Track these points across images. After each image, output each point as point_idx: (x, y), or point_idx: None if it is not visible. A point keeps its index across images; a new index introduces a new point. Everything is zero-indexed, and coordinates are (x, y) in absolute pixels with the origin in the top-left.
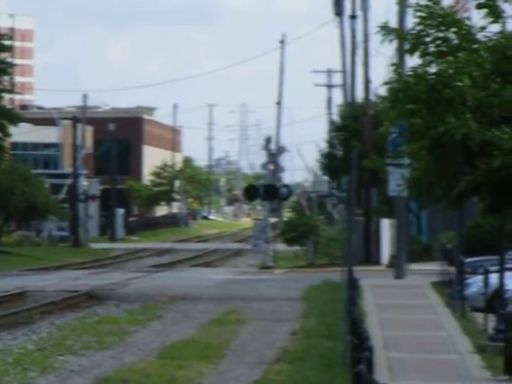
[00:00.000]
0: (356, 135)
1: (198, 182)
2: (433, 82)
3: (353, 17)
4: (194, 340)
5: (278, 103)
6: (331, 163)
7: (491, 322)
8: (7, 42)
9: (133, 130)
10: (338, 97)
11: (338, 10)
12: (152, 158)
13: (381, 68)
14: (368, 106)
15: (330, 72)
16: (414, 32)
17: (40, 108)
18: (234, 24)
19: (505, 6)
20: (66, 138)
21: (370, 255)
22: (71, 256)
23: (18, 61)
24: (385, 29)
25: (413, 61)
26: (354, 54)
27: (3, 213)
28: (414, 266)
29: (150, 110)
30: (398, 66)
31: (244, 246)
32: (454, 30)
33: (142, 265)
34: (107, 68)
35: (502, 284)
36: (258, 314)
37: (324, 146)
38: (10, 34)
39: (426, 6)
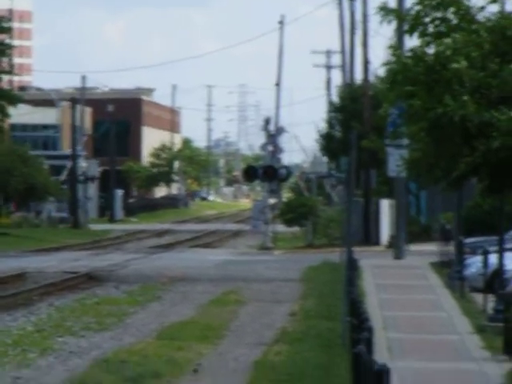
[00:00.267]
0: (355, 116)
1: (196, 163)
2: (431, 63)
3: None
4: (194, 321)
5: (277, 84)
6: (330, 144)
7: (490, 302)
8: (6, 24)
9: (132, 111)
10: (337, 78)
11: None
12: (151, 139)
13: (380, 49)
14: (367, 87)
15: (329, 53)
16: (413, 12)
17: (39, 89)
18: (232, 5)
19: None
20: (65, 119)
21: (369, 236)
22: (70, 237)
23: (16, 42)
24: (384, 9)
25: (412, 41)
26: (353, 34)
27: (2, 194)
28: (413, 247)
29: (149, 91)
30: (396, 47)
31: (243, 226)
32: (452, 10)
33: (141, 246)
34: (106, 49)
35: (501, 264)
36: (258, 294)
37: (323, 126)
38: (9, 15)
39: None
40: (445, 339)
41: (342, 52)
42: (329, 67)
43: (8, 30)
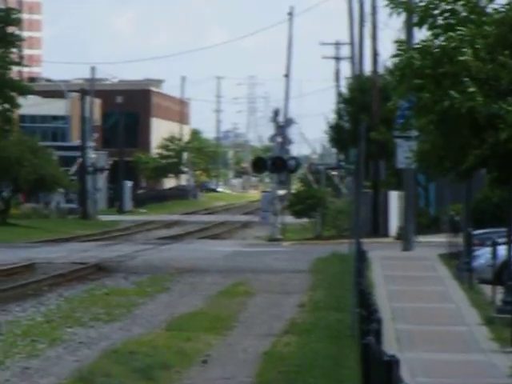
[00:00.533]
0: (364, 108)
1: (205, 155)
2: (438, 56)
3: None
4: (203, 312)
5: (286, 75)
6: (339, 135)
7: (499, 293)
8: (15, 15)
9: (141, 102)
10: (346, 69)
11: None
12: (160, 131)
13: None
14: (376, 79)
15: (338, 44)
16: (423, 4)
17: (48, 80)
18: None
19: None
20: (74, 110)
21: (377, 227)
22: (79, 228)
23: (25, 33)
24: (393, 1)
25: (421, 34)
26: (362, 26)
27: (12, 185)
28: (422, 238)
29: (158, 82)
30: (403, 41)
31: (252, 218)
32: (461, 2)
33: (150, 237)
34: (115, 40)
35: (510, 256)
36: (267, 286)
37: (332, 118)
38: (18, 6)
39: None
40: (453, 330)
41: (351, 44)
42: (338, 59)
43: (18, 22)
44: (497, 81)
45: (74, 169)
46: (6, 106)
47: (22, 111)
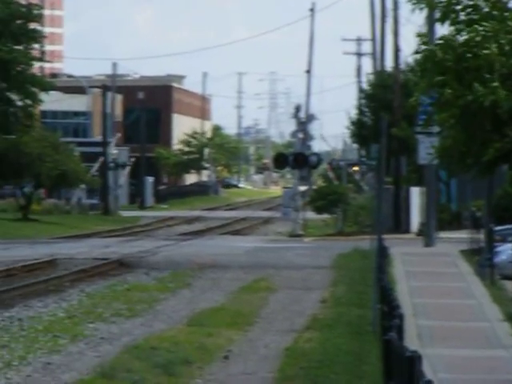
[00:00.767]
0: (386, 104)
1: (227, 151)
2: (461, 51)
3: None
4: (224, 308)
5: (308, 71)
6: (361, 131)
7: None
8: (37, 11)
9: (162, 98)
10: (367, 65)
11: None
12: (181, 127)
13: (411, 37)
14: (398, 75)
15: (359, 40)
16: (445, 0)
17: (70, 76)
18: None
19: None
20: (96, 106)
21: (399, 223)
22: (101, 224)
23: (47, 29)
24: None
25: (443, 30)
26: (383, 22)
27: (34, 181)
28: (444, 234)
29: (180, 78)
30: (425, 35)
31: (273, 214)
32: None
33: (171, 233)
34: (137, 36)
35: None
36: (288, 282)
37: (354, 113)
38: (40, 2)
39: None
40: (475, 326)
41: (373, 40)
42: (359, 55)
43: (39, 18)
44: None
45: (95, 167)
46: (28, 101)
47: (44, 107)
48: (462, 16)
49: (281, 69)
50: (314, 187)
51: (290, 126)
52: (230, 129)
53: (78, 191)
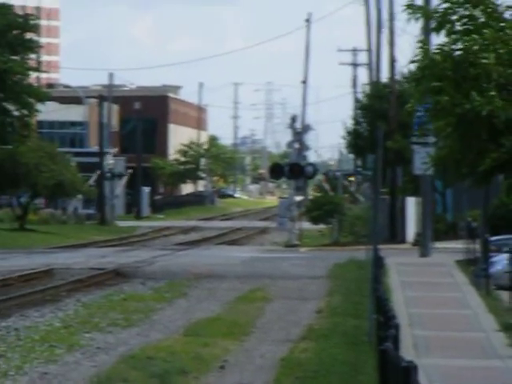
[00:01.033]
0: (381, 114)
1: (223, 161)
2: (459, 59)
3: None
4: (220, 317)
5: (304, 82)
6: (357, 141)
7: None
8: (33, 21)
9: (158, 108)
10: (363, 76)
11: None
12: (178, 137)
13: (406, 47)
14: (393, 85)
15: (355, 51)
16: (441, 10)
17: (66, 86)
18: (259, 2)
19: None
20: (92, 116)
21: (395, 234)
22: (97, 234)
23: (44, 39)
24: (411, 7)
25: (439, 39)
26: (379, 32)
27: (30, 191)
28: (439, 245)
29: (176, 88)
30: (425, 42)
31: (269, 224)
32: (480, 7)
33: (167, 243)
34: (133, 47)
35: None
36: (284, 292)
37: (350, 124)
38: (37, 12)
39: None
40: (470, 337)
41: (369, 50)
42: (355, 65)
43: (36, 28)
44: None
45: (93, 178)
46: (25, 111)
47: (41, 117)
48: (458, 26)
49: (277, 79)
50: (310, 197)
51: (286, 137)
52: (226, 139)
53: (74, 201)
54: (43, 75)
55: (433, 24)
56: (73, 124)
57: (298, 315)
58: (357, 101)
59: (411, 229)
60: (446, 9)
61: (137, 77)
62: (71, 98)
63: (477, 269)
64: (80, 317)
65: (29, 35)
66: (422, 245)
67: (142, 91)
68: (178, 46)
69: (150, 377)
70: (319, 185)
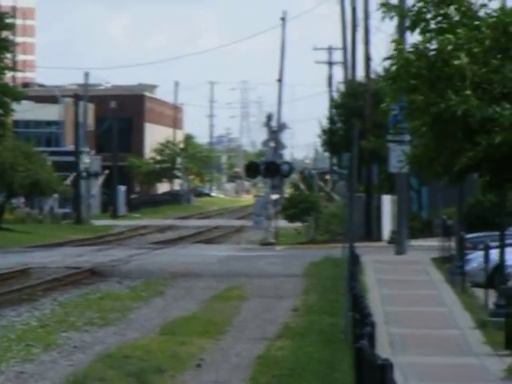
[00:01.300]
0: (357, 113)
1: (199, 160)
2: (433, 58)
3: None
4: (196, 316)
5: (279, 80)
6: (332, 140)
7: (492, 297)
8: (9, 20)
9: (134, 107)
10: (338, 74)
11: None
12: (153, 136)
13: (381, 45)
14: (369, 83)
15: (330, 49)
16: (415, 9)
17: (42, 86)
18: (234, 1)
19: None
20: (68, 115)
21: (371, 231)
22: (73, 233)
23: (19, 39)
24: (385, 6)
25: (413, 38)
26: (354, 31)
27: (6, 190)
28: (415, 242)
29: (152, 87)
30: (399, 41)
31: (245, 222)
32: (454, 6)
33: (143, 241)
34: (108, 46)
35: (502, 259)
36: (260, 290)
37: (325, 122)
38: (12, 11)
39: None
40: (446, 334)
41: (344, 49)
42: (330, 64)
43: (11, 27)
44: (490, 85)
45: (70, 179)
46: (0, 111)
47: (16, 117)
48: (432, 25)
49: (253, 78)
50: (286, 195)
51: (262, 135)
52: (202, 138)
53: (50, 200)
54: (19, 74)
55: (407, 22)
56: (48, 123)
57: (274, 313)
58: (332, 99)
59: (387, 227)
60: (420, 7)
61: (112, 76)
62: (47, 98)
63: (452, 266)
64: (56, 316)
65: (4, 34)
66: (397, 243)
67: (117, 90)
68: (154, 44)
69: (126, 376)
70: (295, 183)
